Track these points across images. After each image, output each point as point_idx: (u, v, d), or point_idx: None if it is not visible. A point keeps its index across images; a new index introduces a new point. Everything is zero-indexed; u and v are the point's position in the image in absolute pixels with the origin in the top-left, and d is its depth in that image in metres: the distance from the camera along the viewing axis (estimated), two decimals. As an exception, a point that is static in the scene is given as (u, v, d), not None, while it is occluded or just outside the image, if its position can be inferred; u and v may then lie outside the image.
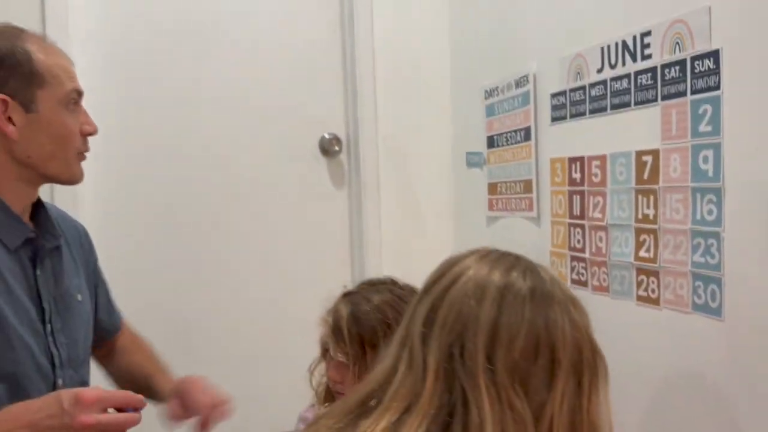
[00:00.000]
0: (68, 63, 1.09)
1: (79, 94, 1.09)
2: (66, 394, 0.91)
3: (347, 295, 1.19)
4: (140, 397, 0.94)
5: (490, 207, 1.90)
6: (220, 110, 2.00)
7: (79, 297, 1.17)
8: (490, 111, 1.87)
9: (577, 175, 1.47)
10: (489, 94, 1.87)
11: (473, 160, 2.01)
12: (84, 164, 1.12)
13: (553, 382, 0.73)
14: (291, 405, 1.29)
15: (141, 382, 1.23)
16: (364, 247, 2.11)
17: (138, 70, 1.93)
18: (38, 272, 1.07)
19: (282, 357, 1.82)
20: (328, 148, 2.09)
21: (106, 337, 1.29)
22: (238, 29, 2.01)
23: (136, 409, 0.92)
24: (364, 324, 1.12)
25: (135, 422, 0.93)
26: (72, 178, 1.10)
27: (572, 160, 1.49)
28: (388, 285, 1.22)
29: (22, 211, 1.08)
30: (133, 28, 1.92)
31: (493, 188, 1.89)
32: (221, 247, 2.03)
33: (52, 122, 1.04)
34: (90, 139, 1.12)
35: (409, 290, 1.17)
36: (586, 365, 0.76)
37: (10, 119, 1.02)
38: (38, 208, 1.12)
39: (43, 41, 1.07)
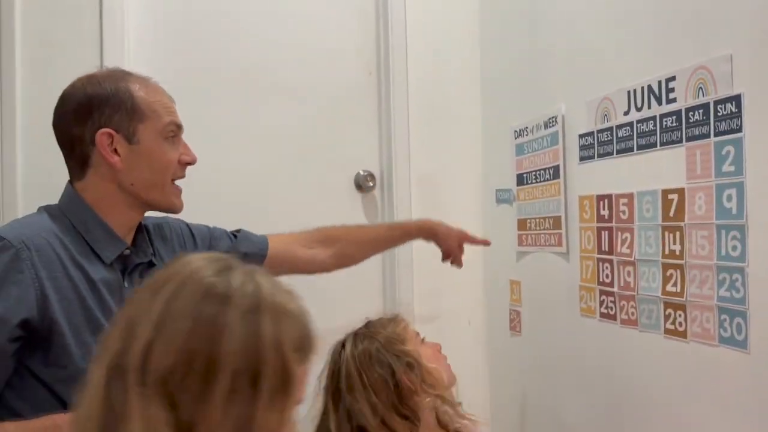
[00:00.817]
0: (168, 100, 1.23)
1: (178, 127, 1.22)
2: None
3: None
4: None
5: (520, 242, 1.96)
6: (266, 149, 2.10)
7: None
8: (519, 150, 1.94)
9: (605, 212, 1.53)
10: (519, 134, 1.94)
11: (503, 197, 2.07)
12: None
13: (209, 394, 0.65)
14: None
15: (384, 240, 1.74)
16: (396, 282, 2.17)
17: (186, 108, 2.03)
18: (126, 284, 1.16)
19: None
20: (363, 184, 2.17)
21: (260, 254, 1.47)
22: (282, 71, 2.12)
23: None
24: None
25: None
26: (170, 206, 1.24)
27: (600, 198, 1.55)
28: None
29: (125, 233, 1.20)
30: (184, 67, 2.03)
31: (522, 224, 1.95)
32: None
33: (152, 152, 1.18)
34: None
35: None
36: (264, 379, 0.67)
37: (116, 151, 1.15)
38: (139, 228, 1.22)
39: (146, 81, 1.22)
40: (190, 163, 1.25)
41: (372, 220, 2.22)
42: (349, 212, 2.19)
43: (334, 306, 2.08)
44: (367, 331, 1.22)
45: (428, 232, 1.72)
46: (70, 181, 1.21)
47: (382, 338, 1.19)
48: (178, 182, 1.27)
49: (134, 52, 1.96)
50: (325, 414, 1.18)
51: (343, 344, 1.21)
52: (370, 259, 2.17)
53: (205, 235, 1.43)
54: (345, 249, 1.63)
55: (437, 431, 1.18)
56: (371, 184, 2.18)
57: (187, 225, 1.43)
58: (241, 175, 2.08)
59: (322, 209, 2.15)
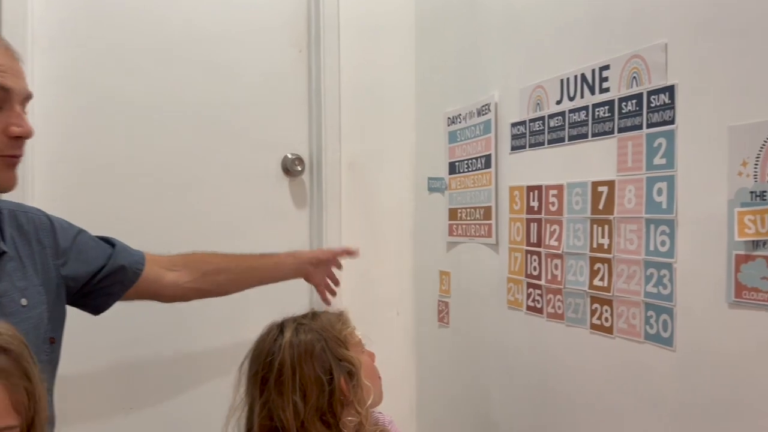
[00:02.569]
0: (3, 60, 1.00)
1: (4, 90, 0.99)
2: None
3: None
4: None
5: (450, 232, 1.91)
6: (187, 128, 1.97)
7: (24, 301, 1.12)
8: (452, 138, 1.89)
9: (535, 204, 1.49)
10: (452, 121, 1.89)
11: (434, 185, 2.02)
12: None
13: None
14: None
15: (257, 271, 1.54)
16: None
17: (98, 86, 1.89)
18: None
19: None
20: (291, 167, 2.08)
21: (133, 278, 1.35)
22: (205, 49, 1.99)
23: None
24: None
25: None
26: None
27: (530, 189, 1.51)
28: None
29: None
30: (94, 44, 1.88)
31: (453, 214, 1.90)
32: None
33: None
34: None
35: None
36: None
37: None
38: None
39: None
40: (20, 136, 1.02)
41: (300, 205, 2.13)
42: (275, 197, 2.09)
43: (255, 298, 1.99)
44: (313, 324, 1.11)
45: (300, 273, 1.65)
46: None
47: (329, 337, 1.09)
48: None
49: (41, 18, 1.80)
50: (251, 407, 1.08)
51: (281, 329, 1.10)
52: (297, 246, 2.11)
53: (68, 233, 1.25)
54: (212, 276, 1.50)
55: None
56: (299, 168, 2.08)
57: (48, 217, 1.24)
58: (158, 155, 1.95)
59: (247, 194, 2.05)
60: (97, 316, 1.88)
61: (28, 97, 1.04)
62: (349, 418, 1.06)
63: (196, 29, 1.98)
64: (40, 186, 1.74)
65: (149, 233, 1.95)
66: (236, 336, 1.85)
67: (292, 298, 1.61)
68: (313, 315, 1.14)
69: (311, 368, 1.04)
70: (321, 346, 1.06)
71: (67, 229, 1.26)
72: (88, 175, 1.87)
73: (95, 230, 1.87)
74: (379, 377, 1.16)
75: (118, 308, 1.91)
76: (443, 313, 1.98)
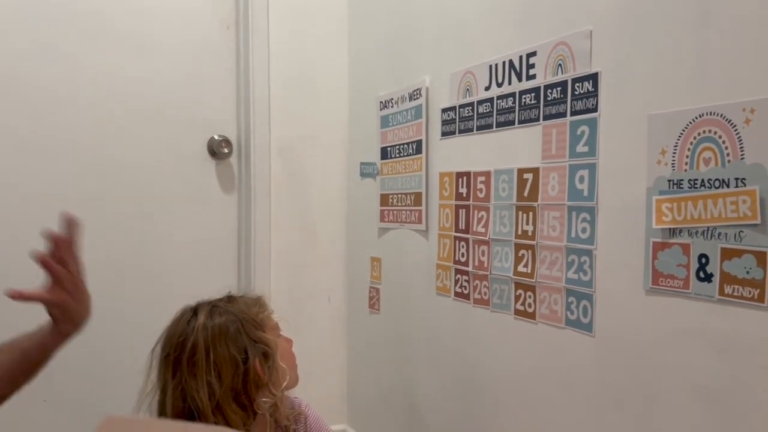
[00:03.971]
0: None
1: None
2: None
3: None
4: None
5: (382, 218, 1.89)
6: (102, 106, 1.88)
7: None
8: (384, 122, 1.86)
9: (463, 190, 1.49)
10: (384, 105, 1.86)
11: (366, 171, 1.99)
12: None
13: None
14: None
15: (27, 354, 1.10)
16: (252, 255, 2.04)
17: (11, 58, 1.78)
18: None
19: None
20: (217, 150, 2.01)
21: None
22: (125, 21, 1.89)
23: None
24: None
25: None
26: None
27: (459, 175, 1.50)
28: None
29: None
30: (6, 12, 1.77)
31: (385, 199, 1.88)
32: (99, 252, 1.89)
33: None
34: None
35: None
36: None
37: None
38: None
39: None
40: None
41: (228, 190, 2.06)
42: (201, 181, 2.02)
43: (182, 283, 1.93)
44: (228, 306, 1.08)
45: (51, 328, 1.11)
46: None
47: (244, 319, 1.06)
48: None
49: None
50: (163, 390, 1.04)
51: (195, 311, 1.06)
52: (225, 231, 2.05)
53: None
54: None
55: (266, 428, 1.08)
56: (226, 150, 2.02)
57: None
58: (78, 137, 1.85)
59: (171, 177, 1.98)
60: (10, 304, 1.79)
61: None
62: (264, 400, 1.04)
63: (121, 1, 1.88)
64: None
65: (63, 210, 1.85)
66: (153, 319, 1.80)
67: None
68: (230, 298, 1.11)
69: (225, 348, 1.01)
70: (236, 327, 1.04)
71: None
72: (2, 152, 1.77)
73: (11, 202, 1.77)
74: (295, 361, 1.13)
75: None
76: (374, 300, 1.96)
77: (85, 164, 1.87)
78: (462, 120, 1.48)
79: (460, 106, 1.49)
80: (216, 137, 2.01)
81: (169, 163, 1.97)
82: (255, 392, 1.04)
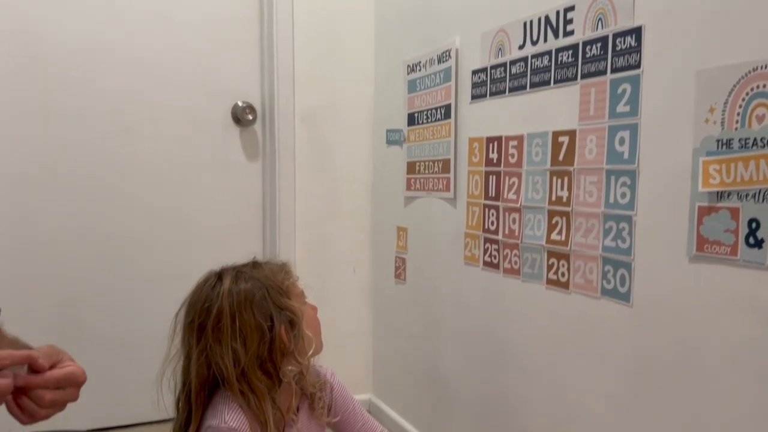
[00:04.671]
0: None
1: None
2: None
3: None
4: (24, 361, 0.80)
5: (408, 186, 1.84)
6: (128, 73, 1.85)
7: None
8: (411, 87, 1.80)
9: (494, 156, 1.43)
10: (411, 69, 1.80)
11: (393, 138, 1.94)
12: None
13: None
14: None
15: None
16: (277, 224, 2.01)
17: (37, 26, 1.75)
18: None
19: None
20: (242, 116, 1.97)
21: None
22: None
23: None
24: None
25: (20, 383, 0.79)
26: None
27: (490, 140, 1.44)
28: None
29: None
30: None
31: (411, 167, 1.83)
32: (126, 219, 1.89)
33: None
34: None
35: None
36: None
37: None
38: None
39: None
40: None
41: (252, 157, 2.03)
42: (226, 148, 1.99)
43: (206, 250, 1.91)
44: (253, 272, 1.05)
45: None
46: None
47: (270, 286, 1.03)
48: None
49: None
50: (188, 356, 1.01)
51: (219, 277, 1.03)
52: (250, 199, 2.02)
53: None
54: None
55: (292, 395, 1.05)
56: (251, 117, 1.98)
57: None
58: (103, 102, 1.83)
59: (196, 143, 1.95)
60: (32, 278, 1.78)
61: None
62: (290, 368, 1.01)
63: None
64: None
65: (95, 179, 1.84)
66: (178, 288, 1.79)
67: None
68: (255, 264, 1.07)
69: (251, 315, 0.99)
70: (262, 294, 1.00)
71: None
72: (24, 118, 1.75)
73: (39, 167, 1.77)
74: (320, 328, 1.10)
75: (54, 264, 1.82)
76: (400, 270, 1.92)
77: (112, 131, 1.85)
78: (493, 82, 1.42)
79: (492, 67, 1.42)
80: (240, 104, 1.97)
81: (193, 130, 1.94)
82: (280, 360, 1.01)
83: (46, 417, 0.82)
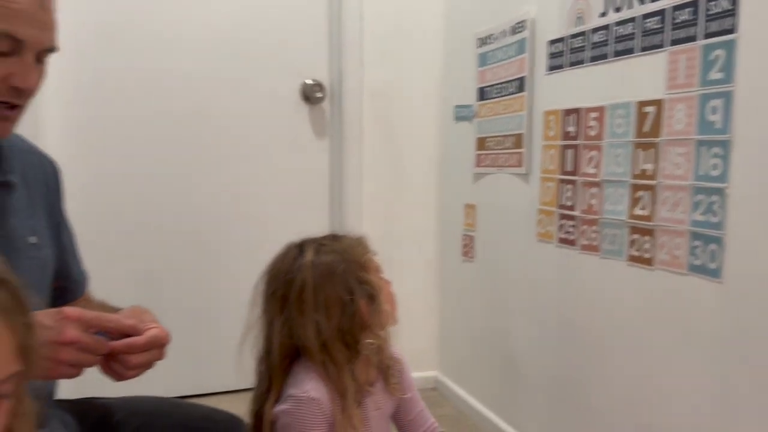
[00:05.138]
0: (25, 6, 0.89)
1: (15, 41, 0.89)
2: (51, 311, 0.82)
3: None
4: (114, 325, 0.86)
5: (478, 163, 1.82)
6: (200, 51, 1.89)
7: (33, 239, 1.06)
8: (482, 60, 1.77)
9: (571, 129, 1.39)
10: (482, 42, 1.76)
11: (462, 114, 1.91)
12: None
13: None
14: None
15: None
16: (343, 200, 2.02)
17: (118, 5, 1.80)
18: None
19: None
20: (310, 94, 1.98)
21: (76, 291, 1.17)
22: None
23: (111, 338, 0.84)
24: None
25: (107, 349, 0.84)
26: None
27: (567, 112, 1.40)
28: None
29: None
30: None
31: (481, 143, 1.80)
32: (201, 194, 1.93)
33: None
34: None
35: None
36: None
37: None
38: None
39: None
40: (19, 88, 0.92)
41: (320, 134, 2.04)
42: (294, 126, 2.01)
43: (274, 226, 1.93)
44: (334, 245, 1.05)
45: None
46: None
47: (350, 259, 1.03)
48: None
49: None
50: (269, 325, 1.03)
51: (301, 248, 1.04)
52: (317, 176, 2.04)
53: (55, 198, 1.16)
54: None
55: (369, 367, 1.05)
56: (319, 95, 1.99)
57: (58, 168, 1.13)
58: (176, 81, 1.87)
59: (264, 121, 1.97)
60: (116, 252, 1.85)
61: (48, 50, 0.93)
62: (369, 341, 1.01)
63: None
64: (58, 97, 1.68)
65: (166, 156, 1.89)
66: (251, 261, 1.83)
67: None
68: (334, 237, 1.07)
69: (333, 289, 0.99)
70: (343, 268, 1.00)
71: (57, 194, 1.15)
72: (109, 96, 1.81)
73: (115, 147, 1.82)
74: (395, 303, 1.10)
75: (136, 239, 1.88)
76: (468, 248, 1.90)
77: (188, 110, 1.89)
78: (572, 52, 1.37)
79: (571, 37, 1.38)
80: (309, 82, 1.98)
81: (263, 108, 1.97)
82: (359, 333, 1.02)
83: (134, 377, 0.88)
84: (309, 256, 1.00)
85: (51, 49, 0.94)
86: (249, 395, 1.11)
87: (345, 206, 2.02)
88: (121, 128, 1.84)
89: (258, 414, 1.03)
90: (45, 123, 1.66)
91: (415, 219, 2.09)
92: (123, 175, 1.86)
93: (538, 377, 1.56)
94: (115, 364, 0.86)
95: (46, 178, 1.12)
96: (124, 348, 0.86)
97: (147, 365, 0.88)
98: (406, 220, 2.09)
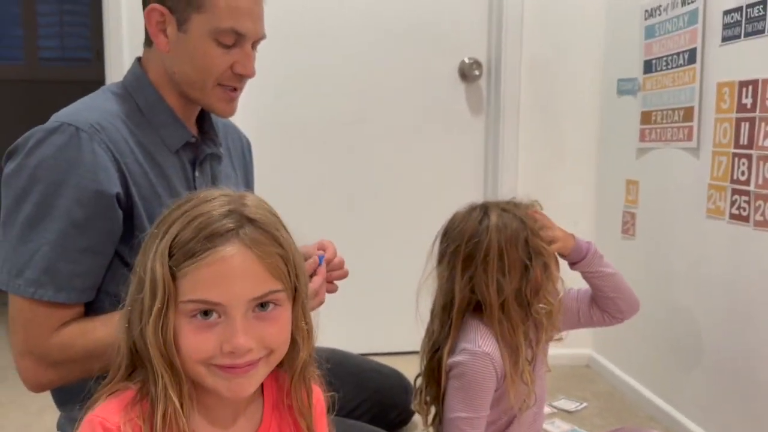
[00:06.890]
0: (245, 3, 1.05)
1: (239, 35, 1.05)
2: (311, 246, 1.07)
3: None
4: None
5: (642, 137, 1.78)
6: (359, 30, 1.99)
7: None
8: (649, 32, 1.72)
9: (747, 101, 1.33)
10: (650, 14, 1.71)
11: (625, 87, 1.87)
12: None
13: None
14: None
15: None
16: (499, 178, 2.05)
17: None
18: (197, 174, 1.11)
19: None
20: (468, 72, 2.03)
21: None
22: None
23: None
24: None
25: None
26: (212, 109, 1.11)
27: (743, 84, 1.34)
28: None
29: (187, 116, 1.11)
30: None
31: (646, 117, 1.75)
32: (358, 172, 2.05)
33: (196, 48, 1.04)
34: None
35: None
36: None
37: (165, 32, 1.04)
38: (203, 115, 1.16)
39: None
40: (242, 75, 1.08)
41: (476, 112, 2.08)
42: (451, 104, 2.06)
43: (431, 202, 2.02)
44: (516, 211, 1.11)
45: None
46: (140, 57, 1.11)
47: (532, 227, 1.10)
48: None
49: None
50: (451, 278, 1.11)
51: (485, 211, 1.11)
52: (472, 152, 2.09)
53: (249, 169, 1.31)
54: None
55: (542, 330, 1.11)
56: (477, 72, 2.03)
57: (251, 148, 1.32)
58: (337, 58, 2.00)
59: (421, 99, 2.04)
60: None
61: (260, 39, 1.09)
62: (541, 306, 1.08)
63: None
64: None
65: (330, 134, 2.02)
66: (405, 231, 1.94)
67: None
68: (515, 204, 1.13)
69: (516, 253, 1.07)
70: (525, 236, 1.08)
71: (250, 170, 1.33)
72: (279, 76, 1.97)
73: (284, 122, 1.97)
74: (559, 272, 1.15)
75: (300, 209, 2.03)
76: (628, 225, 1.87)
77: (351, 88, 2.01)
78: (750, 21, 1.31)
79: (749, 6, 1.31)
80: (467, 60, 2.02)
81: (420, 86, 2.04)
82: (533, 298, 1.08)
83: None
84: (494, 219, 1.08)
85: (262, 38, 1.10)
86: (405, 358, 1.20)
87: (499, 180, 2.05)
88: (294, 105, 1.99)
89: (435, 359, 1.12)
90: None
91: (572, 194, 2.08)
92: (294, 147, 2.01)
93: (701, 356, 1.52)
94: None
95: (243, 150, 1.29)
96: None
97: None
98: (562, 195, 2.08)
